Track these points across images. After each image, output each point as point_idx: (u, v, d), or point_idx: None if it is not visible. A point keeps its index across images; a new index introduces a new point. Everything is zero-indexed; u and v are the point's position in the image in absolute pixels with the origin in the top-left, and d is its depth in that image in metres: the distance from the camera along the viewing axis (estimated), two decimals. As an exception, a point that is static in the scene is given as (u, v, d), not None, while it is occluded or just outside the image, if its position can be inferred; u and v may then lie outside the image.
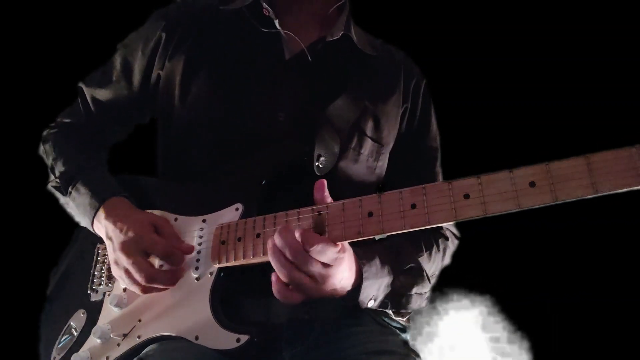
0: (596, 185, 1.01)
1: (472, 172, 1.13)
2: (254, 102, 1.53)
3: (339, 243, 1.22)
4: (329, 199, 1.26)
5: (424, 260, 1.52)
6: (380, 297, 1.41)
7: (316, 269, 1.19)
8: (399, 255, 1.46)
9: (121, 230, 1.39)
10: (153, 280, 1.35)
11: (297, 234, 1.18)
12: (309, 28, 1.64)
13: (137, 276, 1.35)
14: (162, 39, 1.63)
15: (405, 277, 1.45)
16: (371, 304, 1.39)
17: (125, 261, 1.36)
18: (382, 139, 1.63)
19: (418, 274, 1.48)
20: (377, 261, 1.39)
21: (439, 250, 1.58)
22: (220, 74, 1.57)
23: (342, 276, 1.27)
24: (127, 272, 1.37)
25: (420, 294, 1.49)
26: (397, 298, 1.44)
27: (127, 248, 1.36)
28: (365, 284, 1.34)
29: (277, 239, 1.19)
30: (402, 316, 1.54)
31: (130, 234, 1.37)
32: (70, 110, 1.76)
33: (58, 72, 2.49)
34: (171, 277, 1.37)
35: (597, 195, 1.01)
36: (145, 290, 1.38)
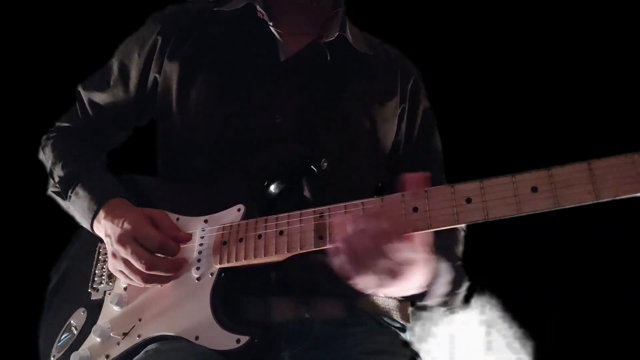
0: (598, 191, 1.01)
1: (473, 174, 1.13)
2: (250, 105, 1.53)
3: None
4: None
5: (458, 251, 1.55)
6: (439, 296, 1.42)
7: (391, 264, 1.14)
8: (449, 252, 1.47)
9: (118, 225, 1.38)
10: (154, 267, 1.33)
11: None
12: (304, 30, 1.63)
13: (137, 265, 1.33)
14: (159, 42, 1.63)
15: (457, 275, 1.45)
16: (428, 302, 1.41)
17: (123, 252, 1.35)
18: (379, 140, 1.62)
19: (464, 272, 1.49)
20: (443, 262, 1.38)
21: (459, 240, 1.61)
22: (216, 76, 1.56)
23: (411, 285, 1.25)
24: (126, 262, 1.35)
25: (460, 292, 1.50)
26: (451, 298, 1.45)
27: (123, 239, 1.35)
28: (433, 287, 1.36)
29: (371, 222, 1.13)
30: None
31: (127, 225, 1.37)
32: (68, 115, 1.76)
33: (57, 76, 2.48)
34: (173, 264, 1.36)
35: (598, 201, 1.02)
36: (146, 279, 1.36)
